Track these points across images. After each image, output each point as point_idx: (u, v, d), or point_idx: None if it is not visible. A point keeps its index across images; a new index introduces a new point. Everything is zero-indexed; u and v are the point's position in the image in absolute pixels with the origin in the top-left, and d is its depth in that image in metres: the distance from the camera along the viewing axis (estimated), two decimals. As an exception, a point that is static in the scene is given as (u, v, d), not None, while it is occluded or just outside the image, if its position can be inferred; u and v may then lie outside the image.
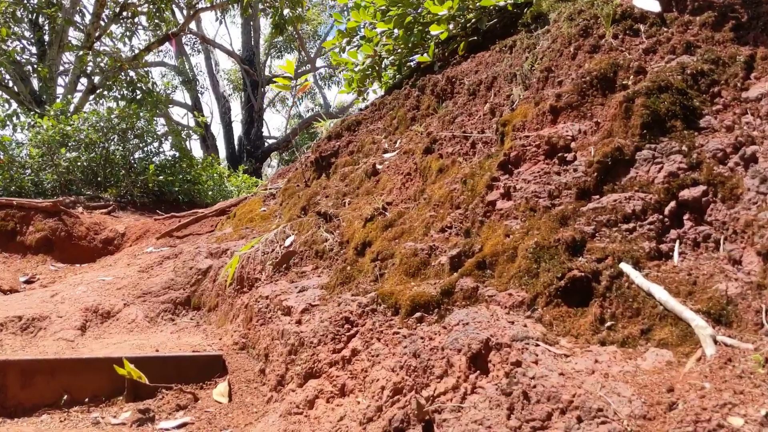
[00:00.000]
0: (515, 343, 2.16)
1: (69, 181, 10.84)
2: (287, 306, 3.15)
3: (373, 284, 2.99)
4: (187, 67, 28.32)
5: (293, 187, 4.59)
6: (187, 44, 29.37)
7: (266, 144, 29.57)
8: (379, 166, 3.98)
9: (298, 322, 3.02)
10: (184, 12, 23.15)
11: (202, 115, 25.60)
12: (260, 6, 14.17)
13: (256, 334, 3.29)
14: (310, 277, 3.42)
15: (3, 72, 13.95)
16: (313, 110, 36.34)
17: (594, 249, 2.40)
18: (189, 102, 28.45)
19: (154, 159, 12.25)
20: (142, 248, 6.19)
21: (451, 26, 4.49)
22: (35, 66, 14.09)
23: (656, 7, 3.13)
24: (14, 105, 14.21)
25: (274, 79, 4.69)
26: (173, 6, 15.88)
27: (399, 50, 5.09)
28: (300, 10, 13.66)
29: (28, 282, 5.89)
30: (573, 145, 2.82)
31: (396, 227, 3.24)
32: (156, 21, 14.94)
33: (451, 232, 2.96)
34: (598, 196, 2.57)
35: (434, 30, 4.51)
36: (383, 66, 5.45)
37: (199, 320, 3.90)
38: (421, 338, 2.44)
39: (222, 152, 28.58)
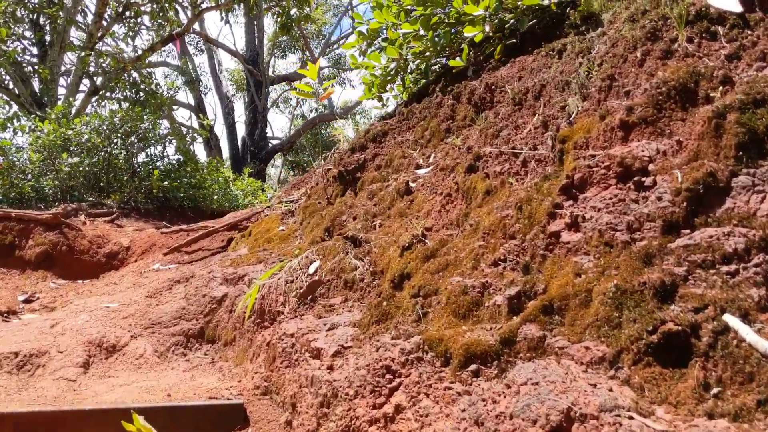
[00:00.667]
0: (604, 415, 1.79)
1: (71, 187, 10.47)
2: (316, 347, 2.77)
3: (415, 325, 2.62)
4: (190, 67, 27.98)
5: (314, 204, 4.20)
6: (190, 44, 28.96)
7: (270, 145, 29.21)
8: (412, 184, 3.59)
9: (330, 368, 2.64)
10: (188, 12, 22.82)
11: (206, 117, 25.21)
12: (265, 5, 13.78)
13: (280, 378, 2.91)
14: (340, 312, 3.04)
15: (3, 73, 13.59)
16: (316, 110, 35.97)
17: (689, 296, 2.01)
18: (192, 102, 28.06)
19: (158, 163, 11.88)
20: (148, 264, 5.81)
21: (486, 27, 4.10)
22: (36, 67, 13.72)
23: (737, 7, 2.75)
24: (14, 107, 13.85)
25: (296, 85, 4.31)
26: (176, 5, 15.52)
27: (426, 53, 4.71)
28: (307, 9, 13.28)
29: (27, 301, 5.52)
30: (651, 167, 2.43)
31: (439, 257, 2.86)
32: (159, 21, 14.57)
33: (506, 267, 2.58)
34: (689, 231, 2.18)
35: (469, 32, 4.13)
36: (409, 70, 5.07)
37: (214, 356, 3.52)
38: (482, 400, 2.07)
39: (225, 153, 28.23)
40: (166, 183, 10.73)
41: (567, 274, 2.32)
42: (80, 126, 10.66)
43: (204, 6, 13.56)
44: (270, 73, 29.33)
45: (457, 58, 4.26)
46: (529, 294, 2.38)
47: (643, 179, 2.43)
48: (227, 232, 5.65)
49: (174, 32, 13.81)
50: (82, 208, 9.84)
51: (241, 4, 13.87)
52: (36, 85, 13.79)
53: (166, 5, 14.26)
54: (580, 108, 2.94)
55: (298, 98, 36.31)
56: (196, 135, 16.78)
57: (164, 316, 3.71)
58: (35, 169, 10.21)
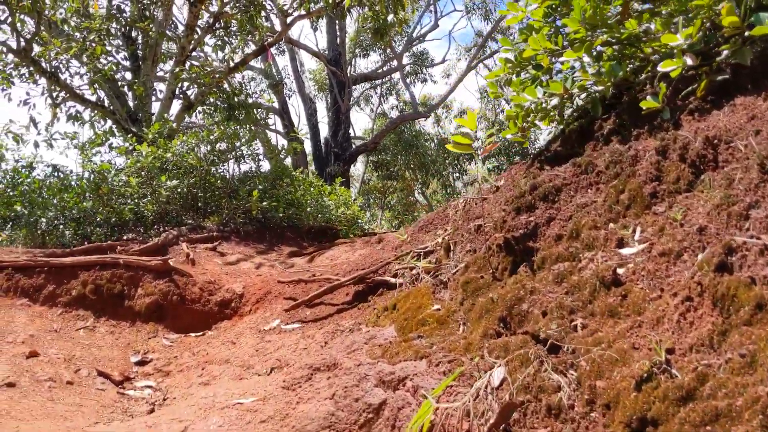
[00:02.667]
0: None
1: (169, 210, 10.19)
2: None
3: None
4: (273, 70, 27.85)
5: (476, 280, 3.51)
6: (267, 39, 28.83)
7: (353, 146, 28.81)
8: (620, 271, 2.84)
9: None
10: (277, 18, 22.58)
11: (294, 129, 25.04)
12: (356, 12, 13.18)
13: None
14: (553, 457, 2.33)
15: (98, 90, 13.55)
16: (397, 107, 35.35)
17: None
18: (276, 105, 27.93)
19: (252, 180, 11.48)
20: (266, 319, 5.28)
21: (688, 60, 3.29)
22: (130, 83, 13.61)
23: None
24: (109, 122, 13.81)
25: (451, 139, 3.63)
26: (265, 12, 15.15)
27: (596, 87, 3.92)
28: (402, 13, 12.61)
29: (140, 363, 5.08)
30: None
31: (700, 402, 2.11)
32: (248, 29, 14.22)
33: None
34: None
35: (667, 66, 3.33)
36: (575, 104, 4.31)
37: (377, 485, 2.90)
38: None
39: (308, 155, 28.00)
40: (264, 203, 10.30)
41: None
42: (177, 146, 10.36)
43: (295, 15, 13.08)
44: (352, 72, 28.89)
45: (649, 98, 3.47)
46: None
47: None
48: (353, 285, 5.04)
49: (266, 42, 13.41)
50: (182, 234, 9.53)
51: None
52: (130, 100, 13.70)
53: (255, 13, 13.90)
54: None
55: (380, 97, 35.79)
56: (287, 145, 16.41)
57: (310, 423, 3.11)
58: (134, 192, 9.98)
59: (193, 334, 5.57)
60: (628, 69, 3.89)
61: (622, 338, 2.57)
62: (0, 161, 12.62)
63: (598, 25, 3.92)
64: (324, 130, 28.22)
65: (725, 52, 3.27)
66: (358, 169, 36.67)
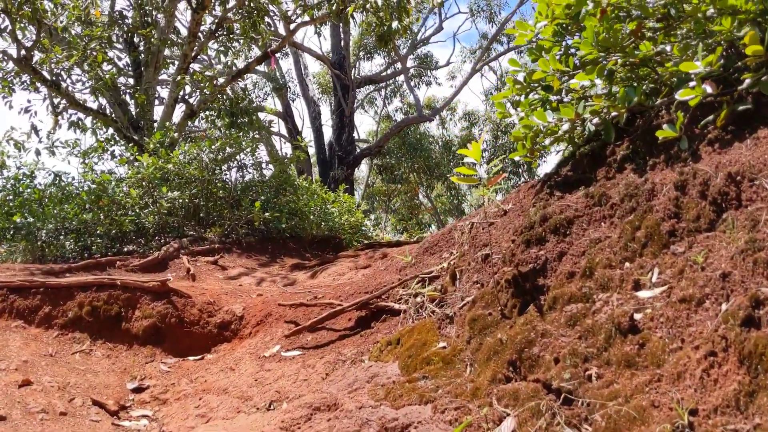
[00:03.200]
0: None
1: (170, 221, 10.05)
2: None
3: None
4: (277, 73, 27.73)
5: (484, 317, 3.34)
6: (271, 44, 28.67)
7: (357, 149, 28.67)
8: (637, 316, 2.68)
9: None
10: (280, 23, 22.46)
11: (300, 135, 24.92)
12: (360, 18, 13.04)
13: None
14: None
15: (99, 97, 13.44)
16: (401, 110, 35.19)
17: None
18: (280, 109, 27.78)
19: (255, 189, 11.33)
20: (267, 344, 5.14)
21: (708, 88, 3.13)
22: (132, 90, 13.49)
23: None
24: (110, 130, 13.69)
25: (456, 171, 3.48)
26: (268, 18, 15.02)
27: (608, 111, 3.76)
28: (407, 20, 12.46)
29: (136, 390, 4.94)
30: None
31: (729, 474, 1.95)
32: (251, 35, 14.08)
33: None
34: None
35: (685, 95, 3.16)
36: (586, 129, 4.15)
37: None
38: None
39: (311, 158, 27.83)
40: (267, 214, 10.16)
41: None
42: (179, 156, 10.22)
43: (299, 21, 12.93)
44: (356, 75, 28.74)
45: (665, 126, 3.31)
46: None
47: None
48: (355, 311, 4.89)
49: (269, 49, 13.26)
50: (183, 246, 9.40)
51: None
52: (132, 108, 13.57)
53: (258, 19, 13.77)
54: None
55: (384, 99, 35.61)
56: (291, 153, 16.29)
57: (310, 471, 2.96)
58: (135, 204, 9.84)
59: (191, 358, 5.42)
60: (642, 93, 3.73)
61: (640, 393, 2.41)
62: (1, 169, 12.53)
63: (611, 47, 3.76)
64: (328, 133, 28.10)
65: (747, 81, 3.11)
66: (362, 171, 36.48)
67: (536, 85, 4.36)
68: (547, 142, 4.60)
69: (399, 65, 29.07)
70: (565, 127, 3.83)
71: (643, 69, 4.03)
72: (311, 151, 28.19)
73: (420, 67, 31.74)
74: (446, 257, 4.97)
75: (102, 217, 9.69)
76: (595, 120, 3.88)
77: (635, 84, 3.85)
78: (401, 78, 30.76)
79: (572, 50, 4.42)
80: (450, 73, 34.12)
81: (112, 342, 5.60)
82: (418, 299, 4.47)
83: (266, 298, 5.87)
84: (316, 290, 5.92)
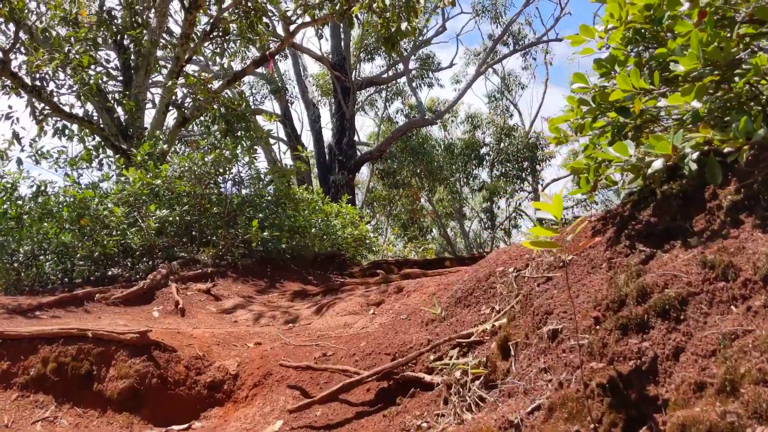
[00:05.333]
0: None
1: (158, 242, 9.12)
2: None
3: None
4: (275, 75, 26.79)
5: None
6: (269, 45, 27.59)
7: (358, 153, 27.77)
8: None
9: None
10: (278, 23, 21.51)
11: (300, 142, 23.96)
12: (364, 18, 12.14)
13: None
14: None
15: (85, 104, 12.48)
16: (402, 111, 34.22)
17: None
18: (278, 111, 26.84)
19: (253, 204, 10.39)
20: (266, 417, 4.21)
21: None
22: (120, 95, 12.54)
23: None
24: (98, 139, 12.75)
25: (530, 230, 2.58)
26: (266, 18, 14.10)
27: (717, 145, 2.86)
28: (416, 21, 11.56)
29: (107, 476, 4.02)
30: None
31: None
32: (248, 36, 13.16)
33: None
34: None
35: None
36: (689, 168, 3.24)
37: None
38: None
39: (309, 161, 26.84)
40: (266, 233, 9.23)
41: None
42: (167, 169, 9.29)
43: (299, 22, 12.02)
44: (356, 77, 27.80)
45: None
46: None
47: None
48: (376, 381, 3.98)
49: (268, 52, 12.34)
50: (173, 271, 8.48)
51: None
52: (121, 114, 12.62)
53: (256, 20, 12.86)
54: None
55: (385, 102, 34.57)
56: (290, 163, 15.41)
57: None
58: (120, 223, 8.91)
59: (176, 428, 4.50)
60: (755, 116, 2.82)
61: None
62: (-19, 179, 11.60)
63: (721, 62, 2.85)
64: (327, 136, 27.17)
65: None
66: (362, 174, 35.50)
67: (607, 107, 3.44)
68: (617, 177, 3.72)
69: (400, 66, 28.18)
70: (658, 164, 2.91)
71: (739, 85, 3.12)
72: (310, 154, 27.23)
73: (422, 69, 30.77)
74: (486, 314, 4.06)
75: (84, 238, 8.76)
76: (695, 154, 2.97)
77: (749, 110, 2.95)
78: (403, 79, 29.84)
79: (650, 63, 3.52)
80: (454, 77, 33.23)
81: (82, 406, 4.67)
82: (457, 374, 3.56)
83: (265, 351, 4.95)
84: (324, 341, 5.00)
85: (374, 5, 10.84)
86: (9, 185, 10.61)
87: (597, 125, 3.58)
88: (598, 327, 2.68)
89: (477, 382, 3.40)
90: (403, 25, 10.61)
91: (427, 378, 3.78)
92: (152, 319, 6.71)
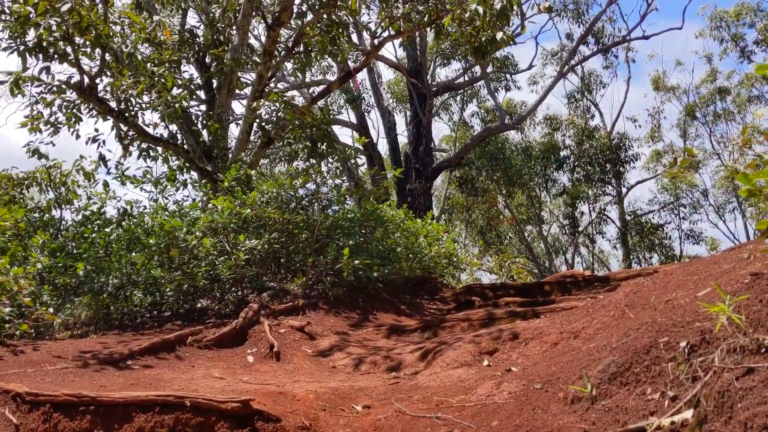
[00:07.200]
0: None
1: (247, 273, 8.76)
2: None
3: None
4: (351, 84, 26.42)
5: None
6: (348, 59, 27.20)
7: (435, 161, 27.09)
8: None
9: None
10: (353, 34, 21.10)
11: (377, 153, 23.49)
12: (453, 29, 11.49)
13: None
14: None
15: (169, 125, 12.34)
16: (478, 115, 33.33)
17: None
18: (354, 120, 26.51)
19: (342, 229, 9.90)
20: None
21: None
22: (204, 116, 12.35)
23: None
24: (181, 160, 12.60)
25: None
26: (347, 33, 13.67)
27: None
28: (507, 28, 10.85)
29: None
30: None
31: None
32: (331, 50, 12.74)
33: None
34: None
35: None
36: None
37: None
38: None
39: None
40: (357, 262, 8.72)
41: None
42: (255, 197, 8.92)
43: (384, 36, 11.51)
44: (431, 83, 27.16)
45: None
46: None
47: None
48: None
49: (353, 68, 11.89)
50: (263, 305, 8.08)
51: (428, 29, 11.73)
52: (205, 134, 12.42)
53: (340, 32, 12.44)
54: None
55: (462, 105, 33.73)
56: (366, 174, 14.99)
57: None
58: (208, 254, 8.59)
59: None
60: None
61: None
62: (72, 202, 11.62)
63: None
64: (402, 143, 26.66)
65: None
66: (436, 181, 34.87)
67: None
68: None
69: (476, 69, 27.37)
70: None
71: None
72: (382, 150, 26.72)
73: (500, 71, 29.80)
74: (655, 400, 3.37)
75: (172, 270, 8.49)
76: None
77: None
78: (479, 82, 28.99)
79: None
80: (531, 78, 32.14)
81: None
82: (636, 490, 2.89)
83: (379, 422, 4.38)
84: (445, 412, 4.39)
85: (466, 15, 10.21)
86: (97, 209, 10.54)
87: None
88: (719, 375, 1.97)
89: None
90: (498, 35, 9.91)
91: (592, 486, 3.12)
92: (247, 365, 6.29)
